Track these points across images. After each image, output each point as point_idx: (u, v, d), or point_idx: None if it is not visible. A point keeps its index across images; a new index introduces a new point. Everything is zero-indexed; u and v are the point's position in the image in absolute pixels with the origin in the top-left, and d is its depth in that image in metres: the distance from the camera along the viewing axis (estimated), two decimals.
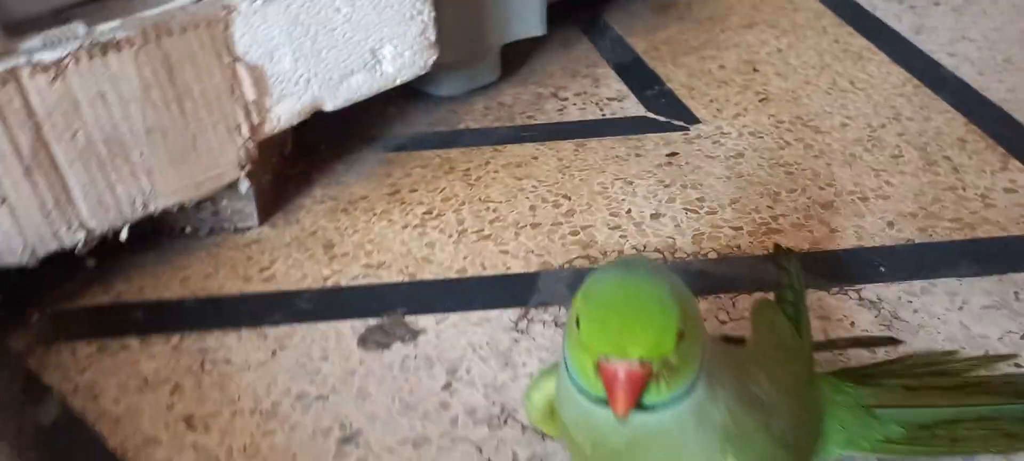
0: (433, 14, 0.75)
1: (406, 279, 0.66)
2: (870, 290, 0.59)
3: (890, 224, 0.66)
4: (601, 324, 0.32)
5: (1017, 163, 0.72)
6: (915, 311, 0.57)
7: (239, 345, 0.60)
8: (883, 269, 0.61)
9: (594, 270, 0.36)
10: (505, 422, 0.52)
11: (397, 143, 0.86)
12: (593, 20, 1.12)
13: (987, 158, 0.73)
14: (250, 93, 0.66)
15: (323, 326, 0.61)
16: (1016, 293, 0.58)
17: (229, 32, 0.63)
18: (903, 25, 1.01)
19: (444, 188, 0.77)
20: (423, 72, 0.78)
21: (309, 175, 0.81)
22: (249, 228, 0.73)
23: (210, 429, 0.53)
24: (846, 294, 0.59)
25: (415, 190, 0.77)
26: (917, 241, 0.64)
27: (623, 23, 1.10)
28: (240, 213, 0.73)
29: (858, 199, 0.70)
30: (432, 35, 0.76)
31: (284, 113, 0.70)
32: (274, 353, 0.59)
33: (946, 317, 0.56)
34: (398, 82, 0.77)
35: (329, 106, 0.73)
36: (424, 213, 0.74)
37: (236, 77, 0.65)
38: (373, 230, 0.72)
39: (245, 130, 0.67)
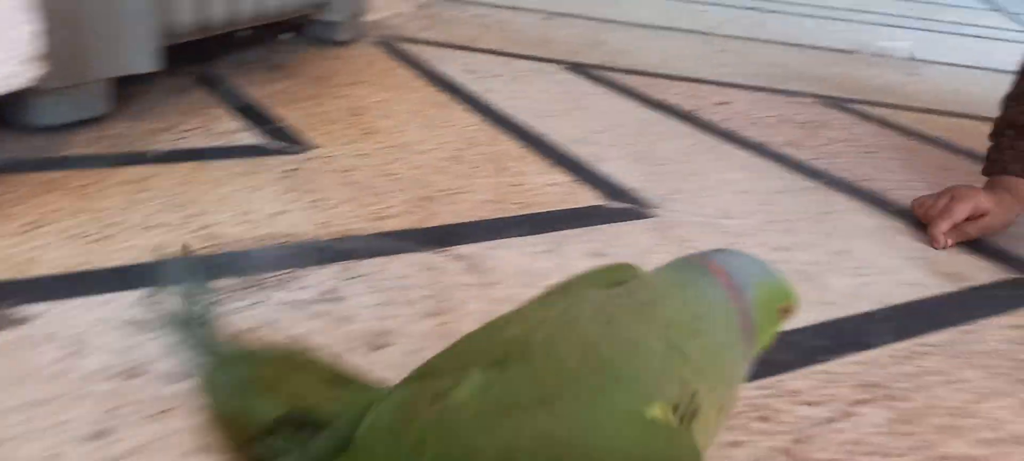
0: (41, 28, 0.74)
1: (11, 278, 0.62)
2: (461, 249, 0.74)
3: (474, 208, 0.83)
4: None
5: (559, 169, 0.95)
6: (493, 258, 0.73)
7: None
8: (469, 235, 0.76)
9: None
10: (140, 375, 0.53)
11: None
12: (205, 73, 1.16)
13: (539, 167, 0.95)
14: None
15: None
16: (560, 243, 0.77)
17: None
18: (475, 88, 1.25)
19: (52, 202, 0.74)
20: (28, 85, 0.75)
21: None
22: None
23: None
24: (444, 253, 0.73)
25: (19, 204, 0.73)
26: (492, 217, 0.81)
27: (236, 77, 1.16)
28: None
29: (451, 194, 0.85)
30: (39, 48, 0.75)
31: None
32: None
33: (509, 258, 0.73)
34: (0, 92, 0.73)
35: None
36: (29, 222, 0.70)
37: None
38: None
39: None
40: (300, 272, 0.67)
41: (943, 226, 0.82)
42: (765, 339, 0.38)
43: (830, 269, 0.77)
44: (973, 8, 2.56)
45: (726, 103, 1.29)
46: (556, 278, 0.68)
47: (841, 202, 0.94)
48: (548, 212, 0.84)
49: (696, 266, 0.37)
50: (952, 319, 0.70)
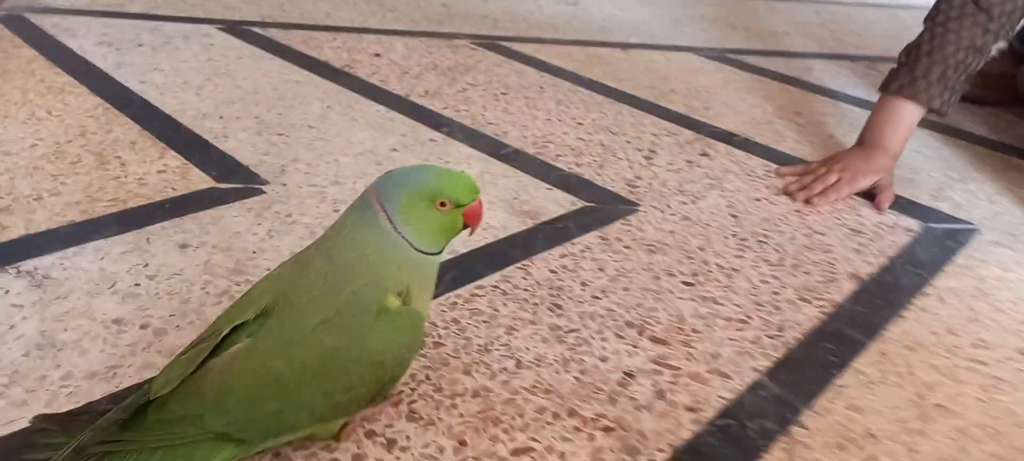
0: None
1: None
2: (29, 263, 0.71)
3: (56, 214, 0.79)
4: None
5: (173, 153, 0.93)
6: (65, 269, 0.71)
7: None
8: (43, 247, 0.73)
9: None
10: None
11: None
12: None
13: (150, 153, 0.93)
14: None
15: None
16: (148, 239, 0.76)
17: None
18: (106, 63, 1.18)
19: None
20: None
21: None
22: None
23: None
24: (4, 272, 0.69)
25: None
26: (78, 221, 0.78)
27: None
28: None
29: (32, 201, 0.81)
30: None
31: None
32: None
33: (83, 266, 0.71)
34: None
35: None
36: None
37: None
38: None
39: None
40: None
41: (821, 203, 0.92)
42: (442, 227, 0.50)
43: None
44: None
45: (379, 55, 1.31)
46: (129, 281, 0.68)
47: (457, 151, 1.01)
48: (144, 205, 0.82)
49: (364, 199, 0.50)
50: (513, 257, 0.79)
